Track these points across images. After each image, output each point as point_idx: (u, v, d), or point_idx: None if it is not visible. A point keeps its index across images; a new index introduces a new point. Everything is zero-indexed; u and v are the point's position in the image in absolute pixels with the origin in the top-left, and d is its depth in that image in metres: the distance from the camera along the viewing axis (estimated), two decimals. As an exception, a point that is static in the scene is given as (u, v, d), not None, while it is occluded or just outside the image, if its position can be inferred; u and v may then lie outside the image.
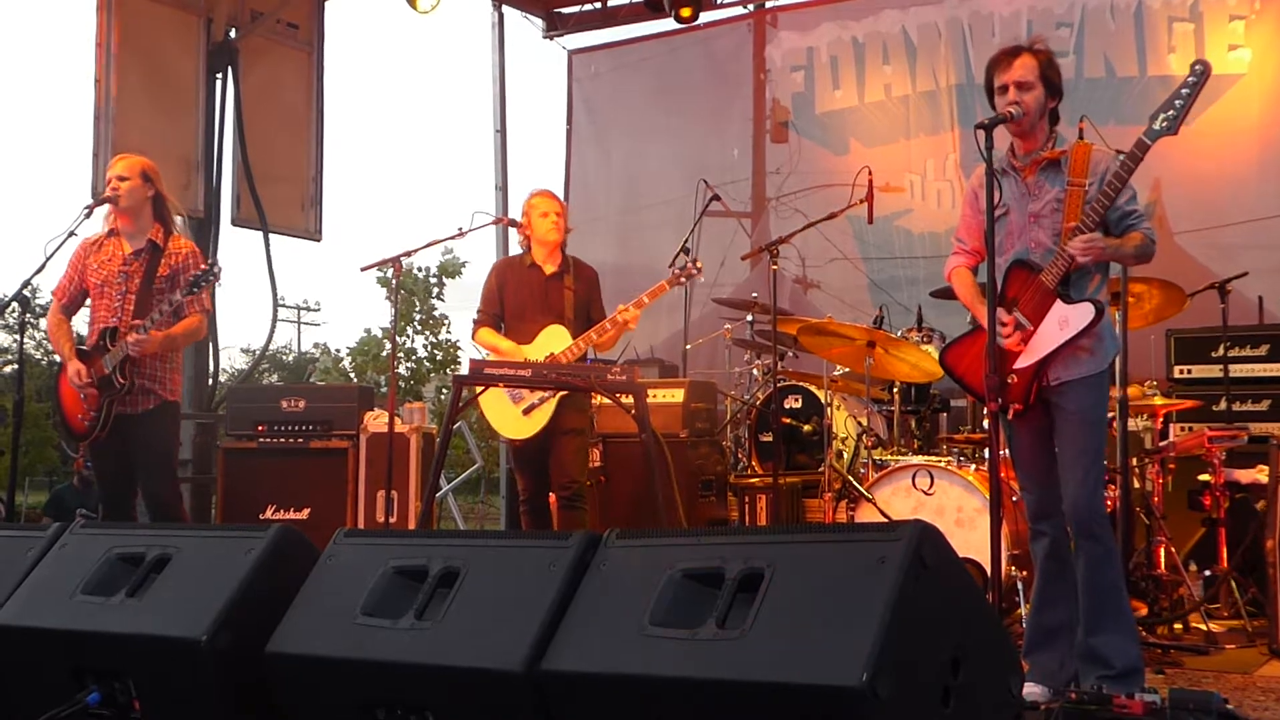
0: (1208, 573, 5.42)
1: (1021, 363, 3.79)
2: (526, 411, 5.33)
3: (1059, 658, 3.82)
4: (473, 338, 5.66)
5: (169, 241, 5.14)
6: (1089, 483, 3.74)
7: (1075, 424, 3.78)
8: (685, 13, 9.47)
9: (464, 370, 5.28)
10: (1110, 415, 4.54)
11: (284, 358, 39.66)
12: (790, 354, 7.18)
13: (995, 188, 3.85)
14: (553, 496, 5.50)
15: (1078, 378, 3.77)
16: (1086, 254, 3.69)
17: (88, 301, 5.22)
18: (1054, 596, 3.87)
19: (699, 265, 5.55)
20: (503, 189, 10.46)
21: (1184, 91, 3.63)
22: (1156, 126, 3.64)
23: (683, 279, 5.53)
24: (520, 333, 5.48)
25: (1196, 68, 3.64)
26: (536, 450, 5.40)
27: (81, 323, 5.40)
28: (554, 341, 5.39)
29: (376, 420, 6.63)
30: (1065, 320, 3.72)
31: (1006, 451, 4.23)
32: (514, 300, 5.55)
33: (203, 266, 5.09)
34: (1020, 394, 3.79)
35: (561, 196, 6.22)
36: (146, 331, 4.91)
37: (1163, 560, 5.23)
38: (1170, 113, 3.63)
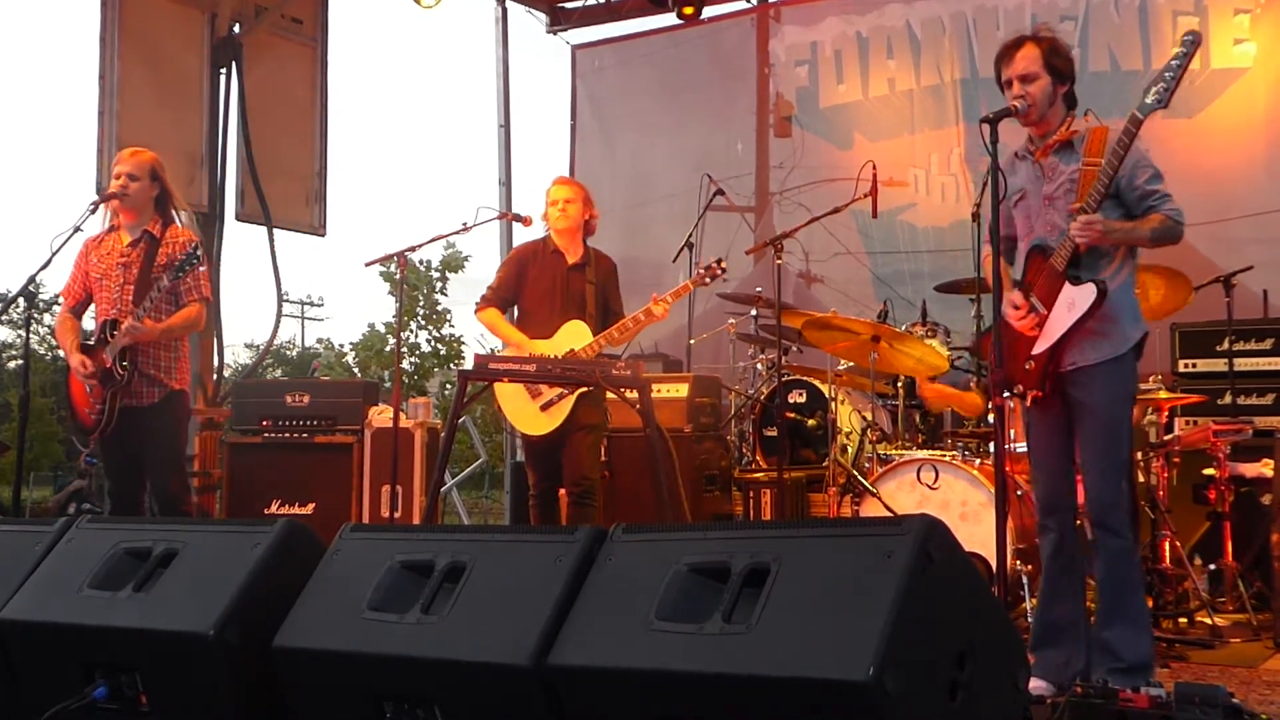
0: (1213, 567, 5.42)
1: (1038, 348, 3.77)
2: (545, 408, 5.32)
3: (1065, 654, 3.81)
4: (476, 314, 5.59)
5: (166, 231, 5.15)
6: (1107, 476, 3.72)
7: (1093, 414, 3.75)
8: (688, 10, 9.47)
9: (468, 365, 5.28)
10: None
11: (288, 353, 39.70)
12: (794, 349, 7.17)
13: (1012, 173, 3.87)
14: (563, 491, 5.50)
15: (1095, 363, 3.73)
16: (1084, 235, 3.65)
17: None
18: (1060, 593, 3.87)
19: (724, 266, 5.49)
20: (506, 184, 10.46)
21: (1174, 64, 3.59)
22: (1149, 100, 3.60)
23: (707, 279, 5.47)
24: (539, 325, 5.45)
25: (1187, 38, 3.60)
26: (550, 445, 5.39)
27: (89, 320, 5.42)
28: (575, 338, 5.37)
29: (381, 415, 6.64)
30: (1072, 302, 3.70)
31: (1011, 446, 4.23)
32: (534, 288, 5.52)
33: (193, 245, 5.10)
34: (1036, 380, 3.76)
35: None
36: (140, 319, 4.91)
37: (1168, 554, 5.23)
38: (1161, 85, 3.59)
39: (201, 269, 5.07)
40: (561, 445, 5.37)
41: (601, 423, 5.56)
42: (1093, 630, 3.79)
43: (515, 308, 5.64)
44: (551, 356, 5.22)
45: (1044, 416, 3.86)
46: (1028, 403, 3.80)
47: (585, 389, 5.27)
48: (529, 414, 5.37)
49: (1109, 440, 3.75)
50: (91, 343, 5.08)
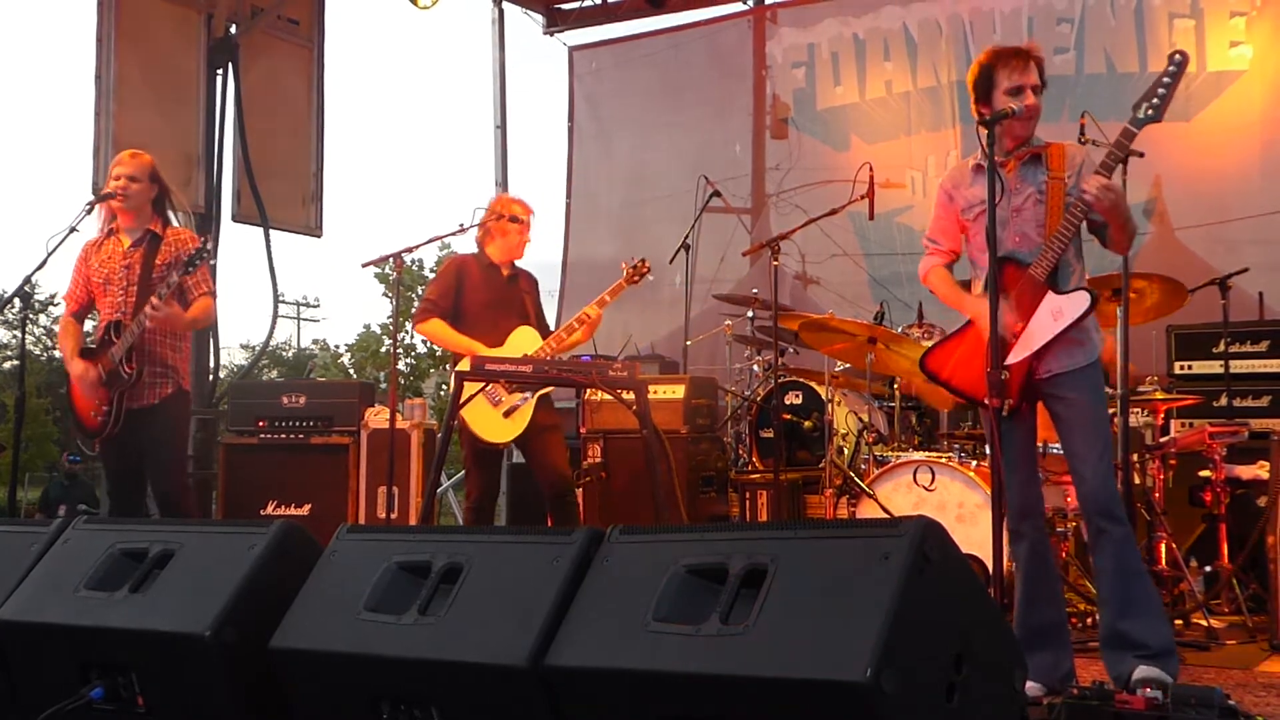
0: (1208, 569, 5.42)
1: (1014, 357, 3.79)
2: (507, 414, 5.36)
3: (1054, 656, 3.82)
4: (416, 325, 5.60)
5: (167, 231, 5.16)
6: (1103, 467, 3.78)
7: (1082, 410, 3.80)
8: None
9: (464, 366, 5.28)
10: (1111, 411, 4.56)
11: (283, 354, 39.69)
12: (791, 350, 7.18)
13: (972, 184, 3.99)
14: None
15: (1075, 369, 3.81)
16: (1105, 197, 3.66)
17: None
18: (1040, 596, 3.89)
19: (648, 265, 5.62)
20: (503, 185, 10.46)
21: (1166, 81, 3.70)
22: (1141, 115, 3.72)
23: (636, 278, 5.58)
24: (485, 332, 5.47)
25: (1176, 57, 3.73)
26: (500, 454, 5.56)
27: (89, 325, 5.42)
28: (525, 343, 5.44)
29: (377, 416, 6.63)
30: (1059, 310, 3.75)
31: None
32: (474, 298, 5.53)
33: (196, 245, 5.12)
34: (1014, 389, 3.78)
35: (564, 192, 6.23)
36: (164, 300, 4.89)
37: (1164, 556, 5.24)
38: (1155, 100, 3.70)
39: (211, 262, 5.11)
40: (525, 450, 5.48)
41: (560, 421, 5.63)
42: (1104, 622, 3.80)
43: (454, 317, 5.57)
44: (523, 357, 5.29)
45: (1018, 424, 3.89)
46: (1004, 412, 3.80)
47: (543, 392, 5.35)
48: (493, 422, 5.39)
49: (1102, 435, 3.83)
50: (94, 345, 5.08)
